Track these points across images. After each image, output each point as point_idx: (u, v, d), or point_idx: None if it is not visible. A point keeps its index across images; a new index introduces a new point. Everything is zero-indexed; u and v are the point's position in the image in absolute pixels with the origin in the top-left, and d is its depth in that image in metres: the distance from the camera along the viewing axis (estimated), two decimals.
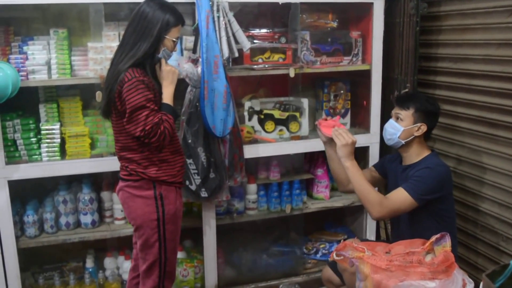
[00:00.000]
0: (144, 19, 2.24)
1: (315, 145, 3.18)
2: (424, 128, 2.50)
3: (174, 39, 2.32)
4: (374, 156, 3.28)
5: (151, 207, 2.34)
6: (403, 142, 2.53)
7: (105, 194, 3.03)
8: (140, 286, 2.48)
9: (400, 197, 2.42)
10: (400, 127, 2.51)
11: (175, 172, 2.39)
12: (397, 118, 2.55)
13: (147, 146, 2.30)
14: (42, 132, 2.78)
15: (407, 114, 2.52)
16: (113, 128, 2.38)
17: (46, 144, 2.78)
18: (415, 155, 2.54)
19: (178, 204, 2.42)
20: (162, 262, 2.40)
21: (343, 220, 3.70)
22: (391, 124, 2.56)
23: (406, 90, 3.15)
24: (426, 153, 2.55)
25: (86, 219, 2.96)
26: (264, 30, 3.07)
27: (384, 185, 2.83)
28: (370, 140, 3.25)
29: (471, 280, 2.15)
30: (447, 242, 2.20)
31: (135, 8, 2.31)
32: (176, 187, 2.41)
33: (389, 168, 2.71)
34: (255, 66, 3.00)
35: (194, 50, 2.76)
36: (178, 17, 2.31)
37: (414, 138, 2.52)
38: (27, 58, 2.69)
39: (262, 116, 3.18)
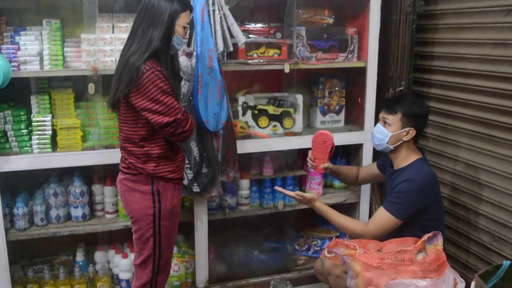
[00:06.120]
0: (151, 8, 2.22)
1: (308, 141, 3.16)
2: (412, 132, 2.48)
3: (185, 25, 2.29)
4: (367, 154, 3.28)
5: (148, 202, 2.32)
6: (391, 147, 2.52)
7: (96, 188, 3.01)
8: (134, 279, 2.47)
9: (383, 218, 2.42)
10: (387, 132, 2.49)
11: (174, 168, 2.37)
12: (385, 123, 2.52)
13: (148, 141, 2.28)
14: (33, 123, 2.75)
15: (394, 119, 2.49)
16: (118, 117, 2.35)
17: (37, 136, 2.75)
18: (402, 159, 2.53)
19: (176, 200, 2.40)
20: (156, 257, 2.39)
21: None
22: (378, 129, 2.54)
23: (401, 88, 3.14)
24: (413, 157, 2.52)
25: (77, 212, 2.93)
26: (259, 25, 3.05)
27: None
28: (364, 137, 3.24)
29: (462, 280, 2.16)
30: (439, 241, 2.20)
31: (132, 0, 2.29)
32: (174, 183, 2.39)
33: (386, 169, 2.72)
34: (250, 61, 2.98)
35: (188, 44, 2.74)
36: (185, 2, 2.30)
37: (403, 143, 2.50)
38: (19, 49, 2.66)
39: (256, 112, 3.17)
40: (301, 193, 2.60)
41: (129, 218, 2.40)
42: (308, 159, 2.78)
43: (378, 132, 2.53)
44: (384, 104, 2.60)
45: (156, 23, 2.21)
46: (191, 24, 2.66)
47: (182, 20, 2.27)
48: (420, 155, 2.55)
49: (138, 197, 2.33)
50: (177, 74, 2.44)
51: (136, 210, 2.34)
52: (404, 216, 2.41)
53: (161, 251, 2.39)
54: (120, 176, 2.40)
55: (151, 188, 2.32)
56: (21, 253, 3.10)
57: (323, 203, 2.61)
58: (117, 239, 3.17)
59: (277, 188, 2.73)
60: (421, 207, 2.42)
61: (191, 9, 2.35)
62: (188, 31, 2.37)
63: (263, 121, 3.18)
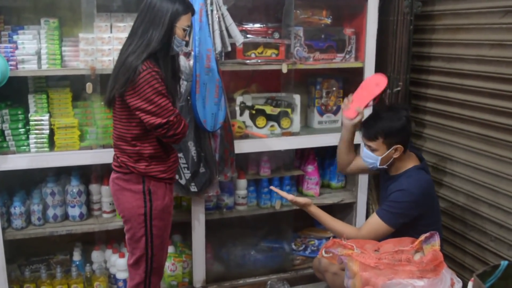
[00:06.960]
0: (152, 8, 2.21)
1: (306, 141, 3.18)
2: (400, 148, 2.48)
3: (185, 28, 2.28)
4: None
5: (139, 201, 2.31)
6: (385, 166, 2.55)
7: (93, 187, 3.01)
8: (128, 280, 2.47)
9: (376, 224, 2.44)
10: (376, 157, 2.51)
11: (165, 167, 2.36)
12: (371, 150, 2.52)
13: (140, 140, 2.28)
14: (31, 123, 2.75)
15: (378, 144, 2.49)
16: (113, 115, 2.35)
17: (35, 135, 2.75)
18: (396, 169, 2.56)
19: (167, 200, 2.39)
20: (149, 257, 2.38)
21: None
22: (367, 154, 2.54)
23: (399, 88, 3.15)
24: (409, 165, 2.53)
25: (74, 211, 2.93)
26: (257, 25, 3.06)
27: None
28: (361, 138, 3.24)
29: (459, 280, 2.16)
30: (436, 241, 2.21)
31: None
32: (166, 183, 2.38)
33: (381, 174, 2.73)
34: (248, 61, 2.98)
35: (186, 43, 2.74)
36: (188, 5, 2.28)
37: (395, 158, 2.51)
38: (17, 48, 2.66)
39: (254, 112, 3.17)
40: (295, 198, 2.62)
41: (121, 217, 2.40)
42: (346, 98, 2.71)
43: (368, 157, 2.55)
44: (362, 129, 2.58)
45: (156, 24, 2.20)
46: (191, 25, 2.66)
47: (183, 22, 2.26)
48: (416, 161, 2.56)
49: (129, 196, 2.32)
50: (177, 75, 2.44)
51: (128, 209, 2.33)
52: (397, 225, 2.43)
53: (153, 251, 2.38)
54: (113, 175, 2.39)
55: (142, 187, 2.31)
56: (18, 253, 3.09)
57: (317, 207, 2.62)
58: (114, 239, 3.16)
59: (272, 188, 2.74)
60: (415, 215, 2.44)
61: (193, 12, 2.32)
62: (188, 34, 2.35)
63: (261, 121, 3.18)
